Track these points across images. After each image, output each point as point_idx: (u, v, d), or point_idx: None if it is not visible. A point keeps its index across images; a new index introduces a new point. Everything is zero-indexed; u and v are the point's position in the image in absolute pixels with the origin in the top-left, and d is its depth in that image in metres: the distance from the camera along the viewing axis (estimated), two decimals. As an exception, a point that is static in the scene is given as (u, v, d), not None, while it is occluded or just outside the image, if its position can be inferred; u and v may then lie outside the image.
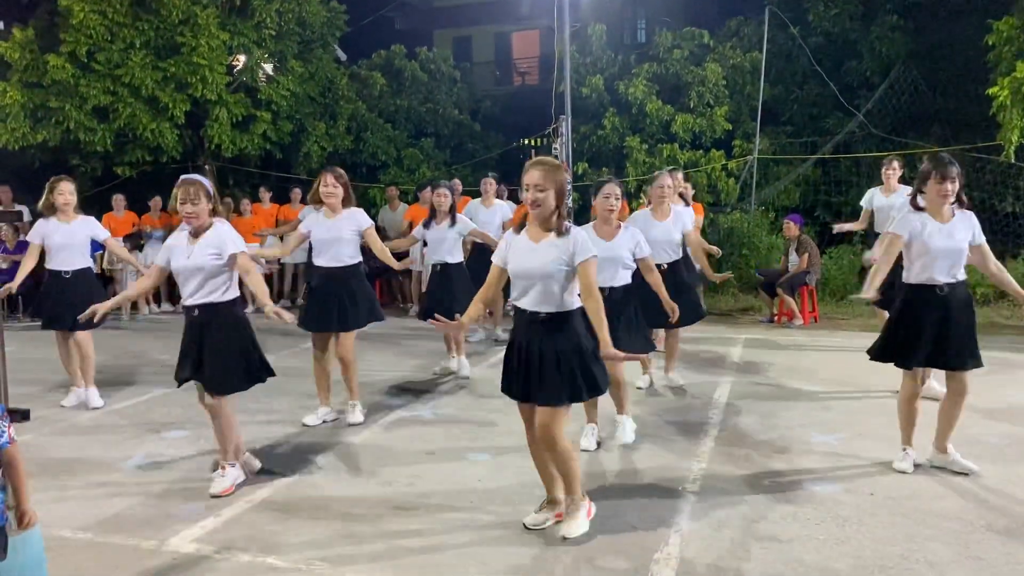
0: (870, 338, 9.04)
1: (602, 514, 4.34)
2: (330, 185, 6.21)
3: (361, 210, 6.44)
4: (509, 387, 4.19)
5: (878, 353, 5.19)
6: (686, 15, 17.96)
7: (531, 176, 4.00)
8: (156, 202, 13.36)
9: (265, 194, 13.66)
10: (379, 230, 12.84)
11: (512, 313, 4.22)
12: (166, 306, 13.12)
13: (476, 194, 12.69)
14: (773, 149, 14.31)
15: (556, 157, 13.02)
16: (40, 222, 6.89)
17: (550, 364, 3.97)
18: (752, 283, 12.16)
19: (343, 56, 17.49)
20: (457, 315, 4.26)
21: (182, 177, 4.88)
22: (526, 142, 15.51)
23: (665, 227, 6.92)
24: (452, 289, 7.67)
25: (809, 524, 4.30)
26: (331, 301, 6.24)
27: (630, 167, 14.28)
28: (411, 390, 7.50)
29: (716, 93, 14.63)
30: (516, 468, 5.19)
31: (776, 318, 10.78)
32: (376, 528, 4.37)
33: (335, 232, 6.25)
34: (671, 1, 19.18)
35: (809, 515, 4.41)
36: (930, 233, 4.86)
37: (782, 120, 14.86)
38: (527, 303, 4.05)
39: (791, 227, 10.91)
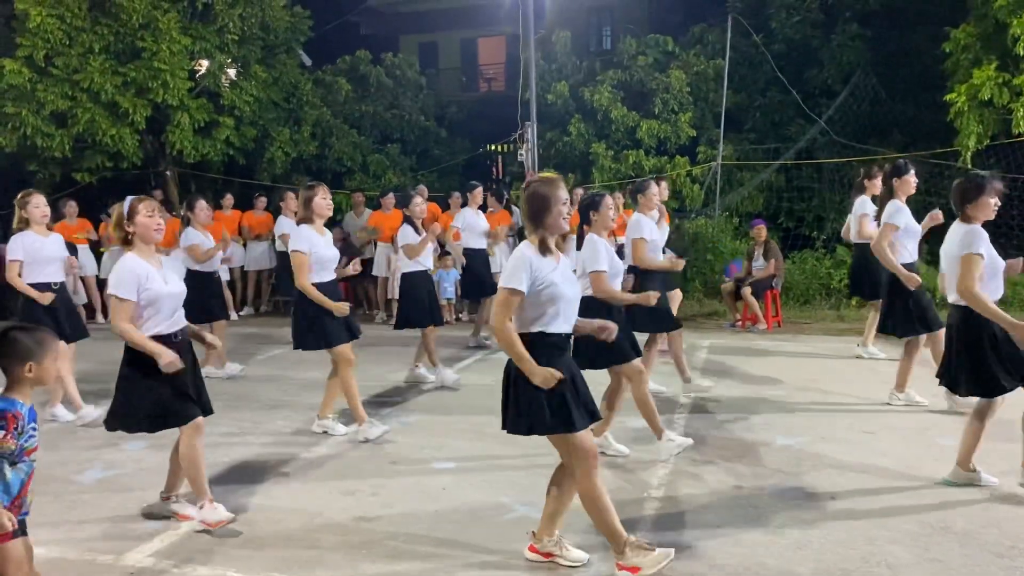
0: (832, 342, 9.23)
1: (567, 520, 4.32)
2: (329, 196, 6.19)
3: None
4: (580, 418, 3.74)
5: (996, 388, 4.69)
6: (650, 22, 18.09)
7: (565, 192, 3.86)
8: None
9: (227, 201, 13.47)
10: (344, 235, 12.84)
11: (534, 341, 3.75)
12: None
13: (443, 200, 12.69)
14: (736, 155, 14.44)
15: (522, 164, 13.03)
16: (19, 237, 6.54)
17: (580, 377, 3.91)
18: (716, 287, 12.24)
19: (308, 61, 17.37)
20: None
21: (131, 198, 4.51)
22: (492, 148, 15.52)
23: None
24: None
25: (772, 528, 4.32)
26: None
27: (596, 173, 14.33)
28: (376, 399, 7.44)
29: (680, 100, 14.74)
30: (481, 478, 5.17)
31: (740, 323, 10.86)
32: (338, 539, 4.32)
33: (335, 251, 6.27)
34: (635, 8, 19.32)
35: (772, 519, 4.44)
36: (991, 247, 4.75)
37: (745, 127, 15.01)
38: (565, 327, 3.85)
39: (761, 230, 11.00)
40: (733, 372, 8.16)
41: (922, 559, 3.93)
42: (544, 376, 3.66)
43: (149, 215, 4.46)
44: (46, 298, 6.50)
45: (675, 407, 6.86)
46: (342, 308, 6.04)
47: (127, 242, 4.49)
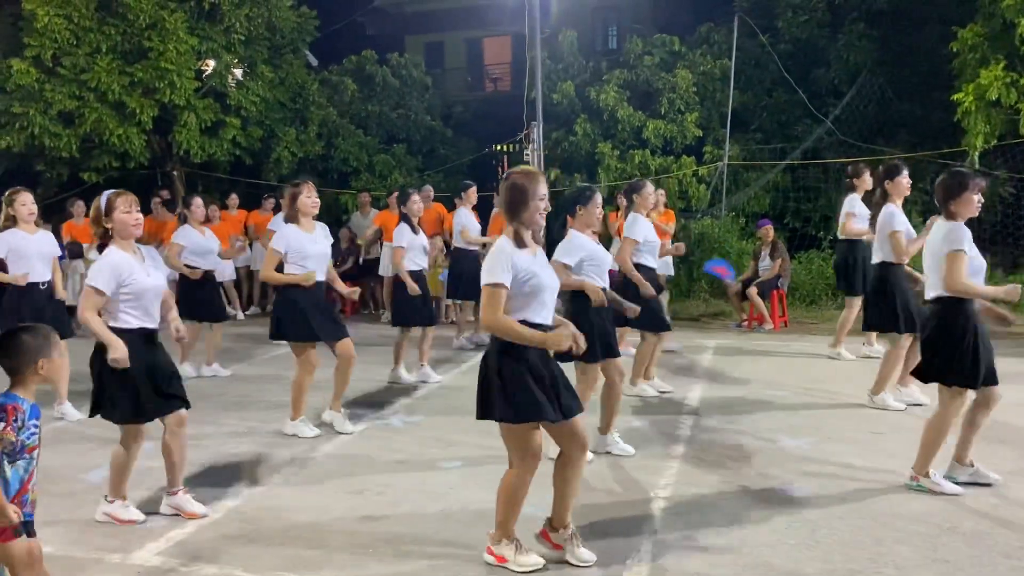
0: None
1: (575, 521, 4.32)
2: (315, 194, 6.16)
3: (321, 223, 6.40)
4: (549, 410, 3.71)
5: (978, 379, 4.69)
6: (656, 22, 18.04)
7: (545, 188, 3.86)
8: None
9: (233, 200, 13.49)
10: (351, 236, 12.84)
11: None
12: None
13: (448, 200, 12.69)
14: (743, 155, 14.42)
15: (528, 163, 13.02)
16: (4, 235, 6.58)
17: (560, 372, 3.90)
18: (722, 287, 12.22)
19: (314, 61, 17.41)
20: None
21: (108, 193, 4.46)
22: (498, 148, 15.49)
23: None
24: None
25: (779, 529, 4.31)
26: (332, 310, 6.36)
27: (602, 173, 14.32)
28: (382, 398, 7.45)
29: (687, 99, 14.72)
30: (487, 477, 5.15)
31: (746, 323, 10.85)
32: (345, 538, 4.32)
33: (324, 247, 6.25)
34: (642, 8, 19.29)
35: (779, 520, 4.43)
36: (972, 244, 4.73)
37: (752, 127, 14.98)
38: (547, 317, 3.86)
39: (769, 230, 10.98)
40: (739, 372, 8.14)
41: (929, 560, 3.92)
42: (555, 340, 3.67)
43: (127, 211, 4.40)
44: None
45: (681, 408, 6.85)
46: (309, 277, 5.97)
47: (106, 237, 4.45)
